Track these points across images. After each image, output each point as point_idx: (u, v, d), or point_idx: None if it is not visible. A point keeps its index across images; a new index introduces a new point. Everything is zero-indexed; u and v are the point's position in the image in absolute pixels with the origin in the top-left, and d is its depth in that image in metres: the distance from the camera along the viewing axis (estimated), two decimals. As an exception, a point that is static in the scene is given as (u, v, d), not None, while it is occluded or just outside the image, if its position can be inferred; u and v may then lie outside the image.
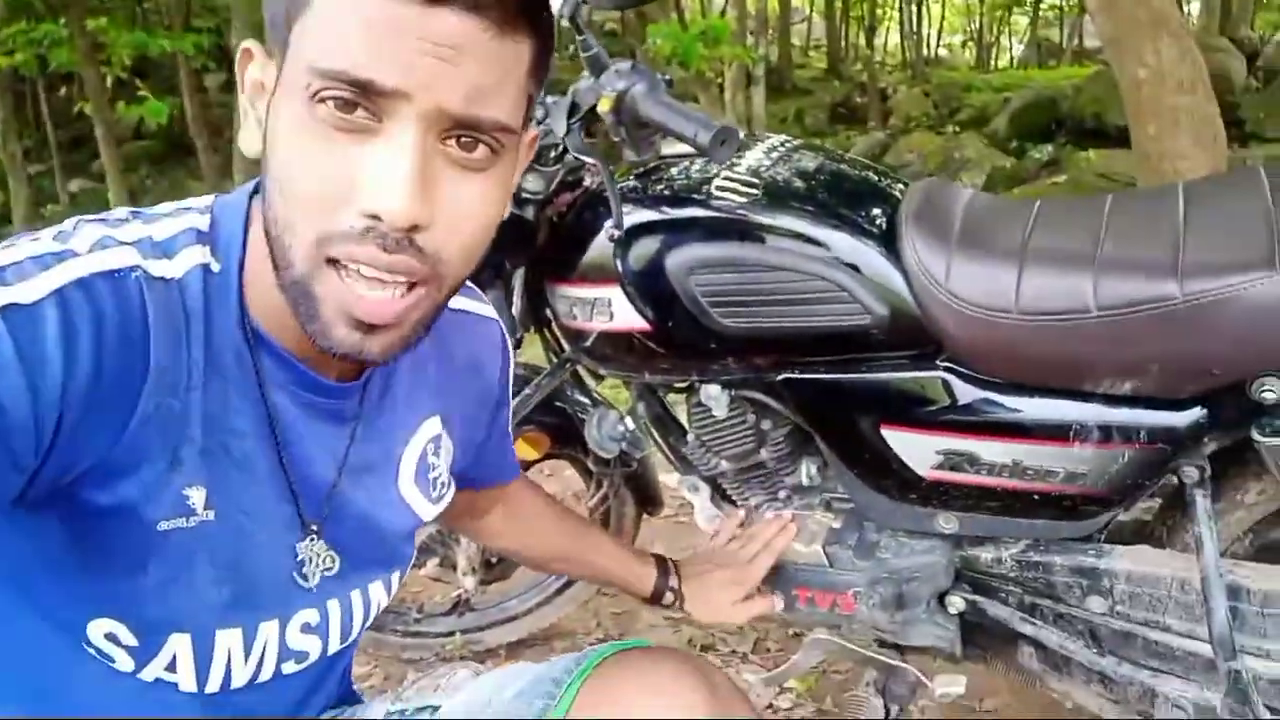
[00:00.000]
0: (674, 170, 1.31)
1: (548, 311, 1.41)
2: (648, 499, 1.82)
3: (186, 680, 0.72)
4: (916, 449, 1.22)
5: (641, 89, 1.14)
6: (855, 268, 1.18)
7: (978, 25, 22.89)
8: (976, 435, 1.18)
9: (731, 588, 1.30)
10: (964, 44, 24.60)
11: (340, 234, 0.59)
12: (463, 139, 0.61)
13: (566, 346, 1.44)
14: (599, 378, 1.57)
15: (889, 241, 1.19)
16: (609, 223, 1.22)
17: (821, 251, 1.18)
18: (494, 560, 1.80)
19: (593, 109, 1.17)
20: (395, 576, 0.86)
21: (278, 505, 0.74)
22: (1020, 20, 23.51)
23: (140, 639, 0.69)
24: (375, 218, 0.59)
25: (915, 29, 19.97)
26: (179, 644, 0.71)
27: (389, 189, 0.58)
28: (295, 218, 0.60)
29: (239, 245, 0.69)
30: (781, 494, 1.41)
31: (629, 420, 1.46)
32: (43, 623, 0.69)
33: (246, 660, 0.74)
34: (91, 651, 0.69)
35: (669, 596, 1.27)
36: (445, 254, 0.62)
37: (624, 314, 1.28)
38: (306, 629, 0.78)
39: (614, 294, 1.27)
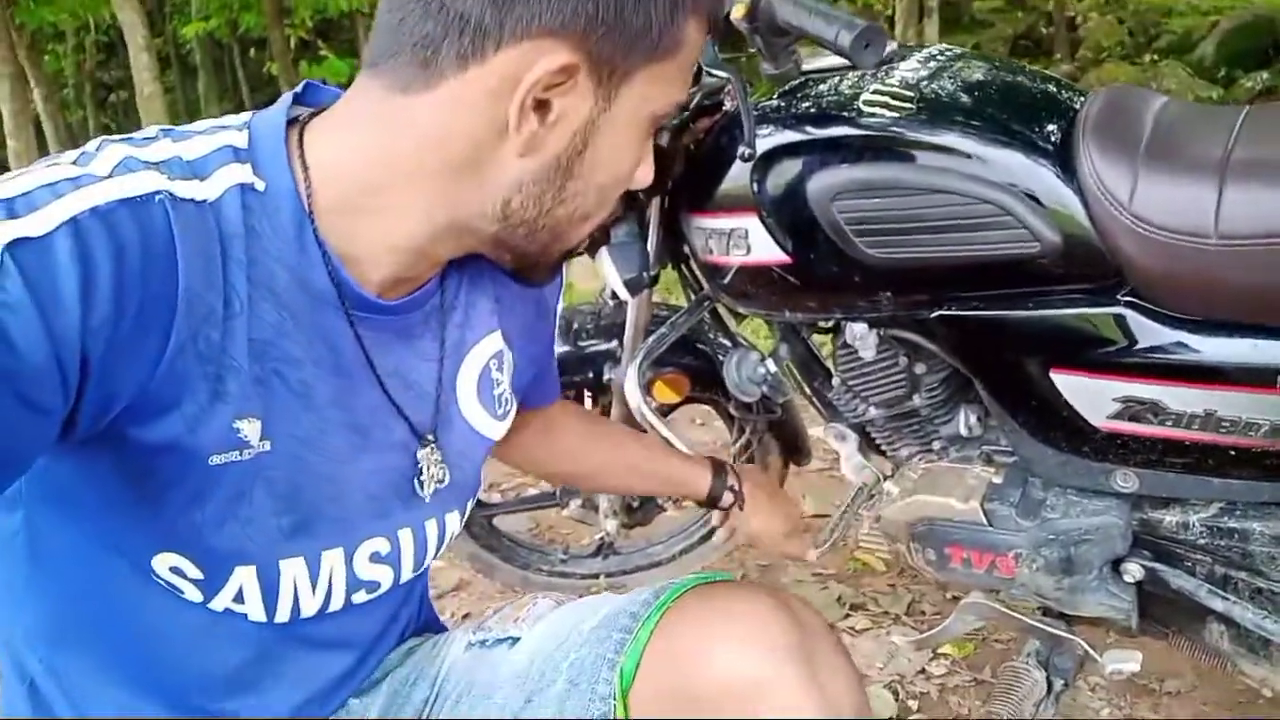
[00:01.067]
0: (819, 87, 1.20)
1: (685, 247, 1.33)
2: (794, 449, 1.74)
3: (255, 611, 0.71)
4: (1091, 396, 1.08)
5: (777, -10, 1.03)
6: (1022, 188, 1.04)
7: (1183, -55, 21.02)
8: (1162, 380, 1.03)
9: (790, 520, 1.25)
10: (1167, -33, 22.67)
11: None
12: None
13: (704, 283, 1.36)
14: (740, 317, 1.49)
15: (1064, 158, 1.04)
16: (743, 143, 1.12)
17: (983, 170, 1.05)
18: (635, 504, 1.75)
19: (727, 18, 1.08)
20: (469, 504, 0.85)
21: (348, 432, 0.71)
22: (1233, -62, 21.45)
23: (205, 572, 0.68)
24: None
25: (1111, -47, 18.51)
26: (244, 575, 0.69)
27: (650, 169, 0.73)
28: (604, 199, 0.71)
29: (284, 165, 0.64)
30: (936, 445, 1.30)
31: (770, 362, 1.38)
32: (111, 557, 0.68)
33: (314, 590, 0.73)
34: (161, 584, 0.68)
35: (728, 497, 1.18)
36: None
37: (762, 245, 1.18)
38: (376, 558, 0.76)
39: (751, 224, 1.18)
